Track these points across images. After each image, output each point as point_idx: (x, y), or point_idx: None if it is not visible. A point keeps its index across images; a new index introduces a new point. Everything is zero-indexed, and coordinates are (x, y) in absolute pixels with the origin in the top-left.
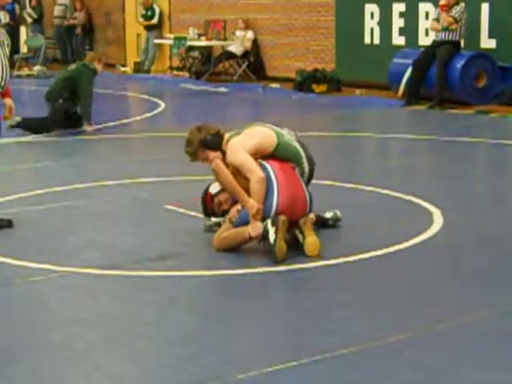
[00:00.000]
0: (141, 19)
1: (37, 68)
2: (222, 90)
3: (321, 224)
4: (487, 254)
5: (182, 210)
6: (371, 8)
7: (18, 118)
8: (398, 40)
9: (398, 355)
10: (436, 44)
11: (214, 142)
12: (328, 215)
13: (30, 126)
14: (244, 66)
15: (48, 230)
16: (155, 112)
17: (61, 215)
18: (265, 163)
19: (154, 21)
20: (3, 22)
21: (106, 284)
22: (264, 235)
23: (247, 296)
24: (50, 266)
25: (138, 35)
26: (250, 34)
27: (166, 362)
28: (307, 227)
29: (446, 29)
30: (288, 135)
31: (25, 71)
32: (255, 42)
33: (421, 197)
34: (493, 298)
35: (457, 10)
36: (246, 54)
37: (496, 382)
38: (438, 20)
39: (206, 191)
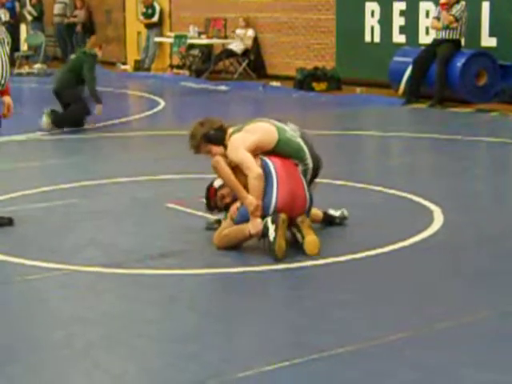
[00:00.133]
0: (141, 17)
1: (37, 66)
2: (223, 88)
3: (328, 222)
4: (487, 252)
5: (182, 209)
6: (372, 6)
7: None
8: (399, 38)
9: (397, 354)
10: (436, 42)
11: (217, 137)
12: (336, 213)
13: (61, 120)
14: (244, 65)
15: (49, 229)
16: (155, 110)
17: (61, 213)
18: (266, 159)
19: (155, 19)
20: (3, 19)
21: (107, 282)
22: (264, 233)
23: (247, 294)
24: (50, 264)
25: (139, 33)
26: (250, 32)
27: (167, 360)
28: (305, 226)
29: (446, 27)
30: (291, 131)
31: (25, 69)
32: (256, 40)
33: (421, 195)
34: (493, 298)
35: (457, 9)
36: (246, 53)
37: (496, 381)
38: (438, 18)
39: (211, 185)
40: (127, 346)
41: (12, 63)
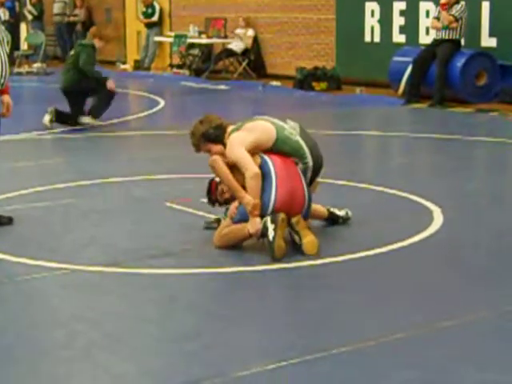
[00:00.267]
0: (141, 17)
1: (37, 65)
2: (222, 87)
3: (331, 220)
4: (487, 252)
5: (182, 208)
6: (371, 6)
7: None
8: (399, 38)
9: (397, 354)
10: (436, 42)
11: (216, 135)
12: (340, 213)
13: (64, 118)
14: (244, 64)
15: (48, 228)
16: (155, 110)
17: (61, 213)
18: (266, 157)
19: (155, 18)
20: (3, 19)
21: (107, 282)
22: (263, 232)
23: (247, 294)
24: (50, 263)
25: (139, 33)
26: (250, 32)
27: (167, 359)
28: (301, 227)
29: (446, 27)
30: (290, 129)
31: (25, 68)
32: (255, 39)
33: (421, 195)
34: (493, 297)
35: (457, 9)
36: (246, 52)
37: (496, 381)
38: (438, 18)
39: (212, 179)
40: (127, 346)
41: (12, 62)
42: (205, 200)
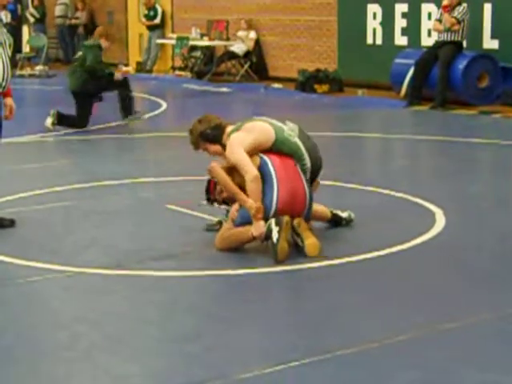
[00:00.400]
0: (143, 19)
1: (39, 68)
2: (224, 90)
3: (334, 222)
4: (490, 254)
5: (183, 210)
6: (373, 8)
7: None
8: (401, 40)
9: (400, 355)
10: (438, 44)
11: (214, 135)
12: (343, 215)
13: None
14: (246, 66)
15: (50, 230)
16: (157, 112)
17: (63, 215)
18: (265, 158)
19: (157, 21)
20: (5, 21)
21: (109, 284)
22: (267, 234)
23: (249, 296)
24: (52, 265)
25: (141, 35)
26: (252, 34)
27: (169, 361)
28: (303, 229)
29: (448, 29)
30: (288, 131)
31: (27, 71)
32: (257, 42)
33: (423, 197)
34: (495, 299)
35: (459, 11)
36: (248, 54)
37: (498, 382)
38: (440, 21)
39: (210, 179)
40: (128, 347)
41: (14, 65)
42: (204, 202)
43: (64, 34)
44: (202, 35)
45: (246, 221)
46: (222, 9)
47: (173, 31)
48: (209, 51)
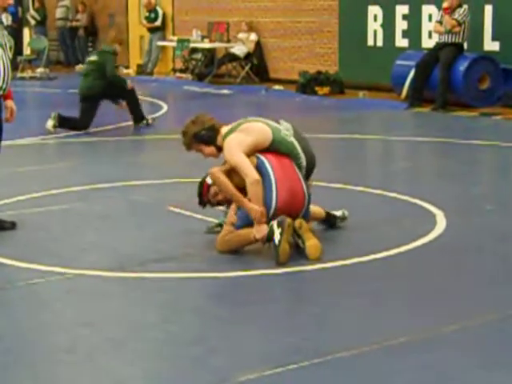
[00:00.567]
0: (144, 21)
1: (40, 70)
2: (225, 92)
3: (329, 221)
4: (491, 256)
5: (184, 212)
6: (374, 10)
7: None
8: (402, 42)
9: (402, 358)
10: (439, 46)
11: (208, 137)
12: (337, 213)
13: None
14: (247, 68)
15: (50, 233)
16: (158, 114)
17: (63, 217)
18: (262, 158)
19: (157, 23)
20: (5, 24)
21: (110, 286)
22: (269, 236)
23: (250, 298)
24: (52, 268)
25: (141, 37)
26: (253, 36)
27: (170, 364)
28: (304, 230)
29: (449, 31)
30: (284, 130)
31: (28, 73)
32: (258, 44)
33: (424, 199)
34: (497, 301)
35: (460, 13)
36: (249, 56)
37: (503, 382)
38: (441, 22)
39: (203, 180)
40: (130, 350)
41: (15, 67)
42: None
43: (65, 36)
44: (203, 37)
45: (246, 223)
46: (223, 11)
47: (173, 33)
48: (209, 53)
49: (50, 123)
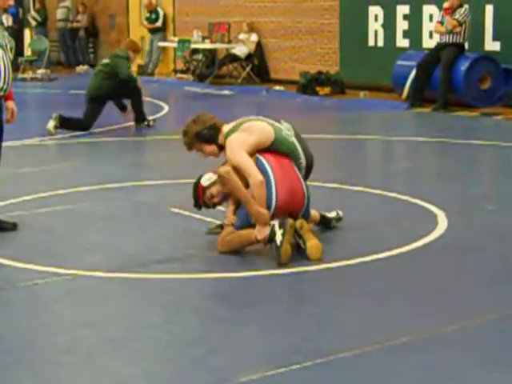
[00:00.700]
0: (145, 22)
1: (41, 71)
2: (226, 92)
3: (324, 224)
4: (492, 256)
5: (186, 213)
6: (375, 10)
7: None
8: (402, 42)
9: (403, 358)
10: (440, 46)
11: (210, 135)
12: (331, 215)
13: (68, 124)
14: (248, 69)
15: (52, 233)
16: (159, 115)
17: (65, 218)
18: (261, 158)
19: (158, 24)
20: (6, 25)
21: (111, 287)
22: (270, 237)
23: (251, 298)
24: (54, 268)
25: (142, 38)
26: (253, 37)
27: (171, 364)
28: (305, 231)
29: (449, 31)
30: (286, 130)
31: (29, 74)
32: (259, 44)
33: (425, 199)
34: (497, 301)
35: (460, 13)
36: (249, 57)
37: (503, 382)
38: (441, 23)
39: (198, 183)
40: (131, 351)
41: (16, 68)
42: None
43: (65, 37)
44: (204, 38)
45: (246, 224)
46: (224, 11)
47: (174, 34)
48: (210, 54)
49: (51, 124)
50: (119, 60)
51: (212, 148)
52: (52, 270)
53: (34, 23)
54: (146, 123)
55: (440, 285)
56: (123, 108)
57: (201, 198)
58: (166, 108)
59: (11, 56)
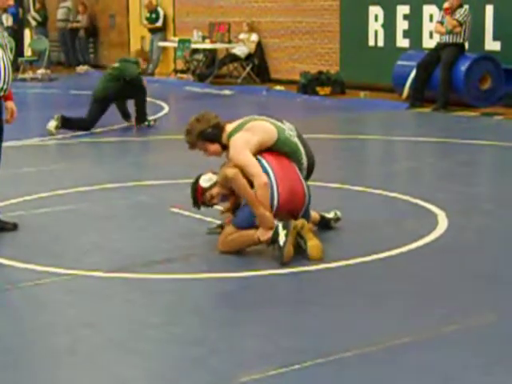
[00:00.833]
0: (145, 22)
1: (41, 71)
2: (227, 92)
3: (323, 224)
4: (492, 256)
5: (186, 213)
6: (375, 10)
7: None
8: (403, 42)
9: (404, 358)
10: (440, 46)
11: (214, 135)
12: (329, 215)
13: (70, 124)
14: (248, 69)
15: (53, 234)
16: (159, 115)
17: (66, 218)
18: (261, 158)
19: (158, 23)
20: (6, 25)
21: (112, 287)
22: (273, 238)
23: (252, 298)
24: (55, 269)
25: (143, 38)
26: (254, 37)
27: (172, 364)
28: (306, 231)
29: (450, 31)
30: (288, 130)
31: (29, 74)
32: (259, 44)
33: (426, 199)
34: (498, 301)
35: (461, 13)
36: (250, 57)
37: (504, 383)
38: (442, 23)
39: (196, 183)
40: (132, 351)
41: (16, 68)
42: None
43: (65, 37)
44: (204, 38)
45: (248, 224)
46: (224, 11)
47: (175, 34)
48: (211, 54)
49: (52, 124)
50: (129, 64)
51: (215, 147)
52: (52, 270)
53: (34, 23)
54: (146, 123)
55: (440, 285)
56: (127, 116)
57: (200, 199)
58: (166, 108)
59: (11, 56)
